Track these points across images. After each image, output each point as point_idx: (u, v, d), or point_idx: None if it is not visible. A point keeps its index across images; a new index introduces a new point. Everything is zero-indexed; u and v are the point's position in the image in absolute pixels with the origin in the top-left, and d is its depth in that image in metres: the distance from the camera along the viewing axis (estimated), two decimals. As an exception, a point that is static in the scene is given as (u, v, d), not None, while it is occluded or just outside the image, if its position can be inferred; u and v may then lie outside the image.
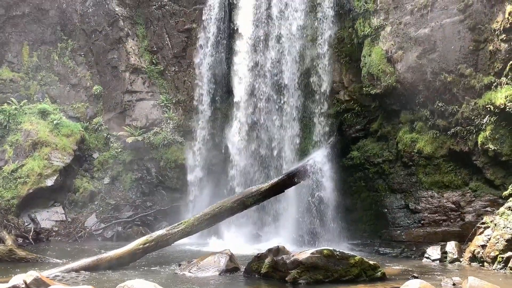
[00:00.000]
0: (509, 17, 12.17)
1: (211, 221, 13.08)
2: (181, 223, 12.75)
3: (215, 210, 12.97)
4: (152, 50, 21.25)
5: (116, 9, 21.18)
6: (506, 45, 12.38)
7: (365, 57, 15.65)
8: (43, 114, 20.36)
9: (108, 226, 18.88)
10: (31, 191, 18.42)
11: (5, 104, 20.15)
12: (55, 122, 20.15)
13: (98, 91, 21.68)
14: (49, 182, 18.82)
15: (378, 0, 15.24)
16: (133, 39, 21.29)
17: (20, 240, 16.52)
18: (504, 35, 12.40)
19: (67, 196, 19.76)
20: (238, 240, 16.51)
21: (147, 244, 12.05)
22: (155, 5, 21.13)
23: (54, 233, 18.38)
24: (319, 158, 15.46)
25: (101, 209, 19.68)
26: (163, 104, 20.82)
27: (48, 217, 18.81)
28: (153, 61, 21.18)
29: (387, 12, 15.11)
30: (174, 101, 20.80)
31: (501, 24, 12.45)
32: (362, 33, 15.79)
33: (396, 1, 14.91)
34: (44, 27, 22.15)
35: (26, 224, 18.08)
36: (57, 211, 19.18)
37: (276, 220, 17.19)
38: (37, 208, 18.82)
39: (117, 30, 21.23)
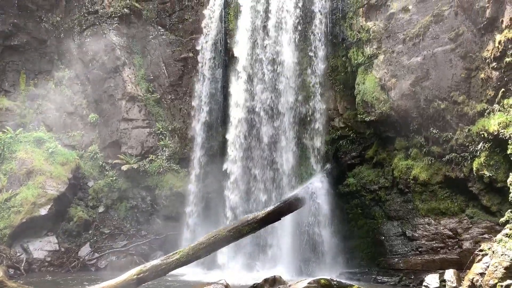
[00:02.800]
0: (499, 46, 12.42)
1: (206, 250, 12.87)
2: (176, 252, 12.53)
3: (211, 239, 12.79)
4: (148, 79, 21.45)
5: (114, 39, 21.47)
6: (497, 73, 12.59)
7: (359, 85, 15.85)
8: (39, 142, 20.29)
9: (102, 255, 18.56)
10: (24, 220, 18.14)
11: (0, 132, 20.11)
12: (50, 150, 20.07)
13: (94, 119, 21.72)
14: (43, 211, 18.56)
15: (370, 30, 15.55)
16: (129, 68, 21.50)
17: (11, 271, 16.19)
18: (495, 63, 12.62)
19: (60, 225, 19.47)
20: (234, 269, 16.26)
21: (141, 275, 11.79)
22: (152, 35, 21.48)
23: (46, 264, 18.01)
24: (315, 185, 15.42)
25: (95, 238, 19.39)
26: (159, 131, 20.86)
27: (41, 247, 18.47)
28: (150, 89, 21.34)
29: (379, 41, 15.40)
30: (170, 129, 20.86)
31: (491, 52, 12.70)
32: (356, 61, 16.04)
33: (388, 31, 15.22)
34: (41, 56, 22.35)
35: (18, 254, 17.74)
36: (50, 241, 18.85)
37: (272, 249, 16.96)
38: (30, 238, 18.49)
39: (114, 59, 21.45)
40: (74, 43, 22.15)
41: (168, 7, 21.43)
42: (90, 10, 21.94)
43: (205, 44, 19.83)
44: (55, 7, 22.03)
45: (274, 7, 17.60)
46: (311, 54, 17.25)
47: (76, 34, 22.08)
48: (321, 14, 16.98)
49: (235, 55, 18.48)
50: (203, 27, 19.98)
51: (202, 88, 19.76)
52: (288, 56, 17.32)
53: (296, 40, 17.24)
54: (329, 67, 17.24)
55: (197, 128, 19.71)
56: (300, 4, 17.22)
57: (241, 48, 18.30)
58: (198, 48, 20.02)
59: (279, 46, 17.46)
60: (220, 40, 19.48)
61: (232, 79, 18.58)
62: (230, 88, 18.62)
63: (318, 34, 17.09)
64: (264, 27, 17.83)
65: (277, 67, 17.53)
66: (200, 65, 19.94)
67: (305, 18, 17.23)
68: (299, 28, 17.23)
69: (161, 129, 20.85)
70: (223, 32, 19.43)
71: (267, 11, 17.82)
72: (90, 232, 19.70)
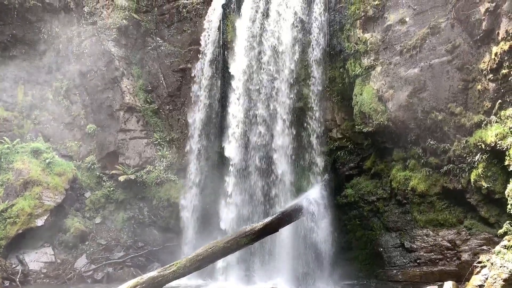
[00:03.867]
0: (496, 58, 12.50)
1: (204, 262, 12.80)
2: (173, 264, 12.47)
3: (208, 251, 12.73)
4: (147, 89, 21.50)
5: (112, 50, 21.55)
6: (494, 85, 12.65)
7: (356, 96, 15.90)
8: (36, 153, 20.25)
9: (98, 267, 18.41)
10: (20, 231, 18.03)
11: (-2, 143, 20.09)
12: (47, 161, 20.02)
13: (92, 129, 21.70)
14: (39, 222, 18.47)
15: (368, 41, 15.64)
16: (128, 79, 21.56)
17: (7, 283, 16.05)
18: (491, 75, 12.69)
19: (57, 237, 19.34)
20: (231, 281, 16.13)
21: (138, 287, 11.73)
22: (150, 45, 21.59)
23: (42, 275, 17.85)
24: (313, 196, 15.37)
25: (92, 249, 19.26)
26: (156, 142, 20.85)
27: (36, 258, 18.33)
28: (148, 99, 21.38)
29: (377, 53, 15.48)
30: (168, 139, 20.85)
31: (488, 64, 12.78)
32: (353, 72, 16.11)
33: (385, 42, 15.31)
34: (40, 67, 22.39)
35: (14, 266, 17.59)
36: (47, 252, 18.72)
37: (270, 260, 16.85)
38: (26, 249, 18.36)
39: (112, 70, 21.51)
40: (72, 54, 22.20)
41: (167, 18, 21.56)
42: (89, 21, 22.05)
43: (204, 55, 19.91)
44: (54, 18, 22.14)
45: (273, 17, 17.70)
46: (309, 65, 17.31)
47: (74, 45, 22.15)
48: (318, 26, 17.08)
49: (232, 66, 18.53)
50: (202, 38, 20.09)
51: (199, 99, 19.79)
52: (286, 67, 17.37)
53: (294, 51, 17.31)
54: (326, 78, 17.30)
55: (195, 139, 19.71)
56: (298, 16, 17.32)
57: (239, 59, 18.36)
58: (197, 59, 20.11)
59: (277, 57, 17.52)
60: (218, 51, 19.57)
61: (229, 91, 18.60)
62: (228, 99, 18.63)
63: (315, 45, 17.18)
64: (262, 37, 17.91)
65: (275, 78, 17.55)
66: (197, 76, 20.00)
67: (303, 29, 17.33)
68: (297, 39, 17.31)
69: (159, 140, 20.84)
70: (221, 43, 19.53)
71: (265, 22, 17.91)
72: (86, 243, 19.57)
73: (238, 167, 17.67)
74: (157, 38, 21.58)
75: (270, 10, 17.87)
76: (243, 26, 18.43)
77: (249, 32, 18.19)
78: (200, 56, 20.05)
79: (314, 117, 17.14)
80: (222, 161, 18.55)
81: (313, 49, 17.14)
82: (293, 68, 17.30)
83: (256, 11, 18.23)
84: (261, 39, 17.90)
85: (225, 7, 19.54)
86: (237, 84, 18.17)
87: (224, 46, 19.44)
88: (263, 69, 17.72)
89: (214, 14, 19.94)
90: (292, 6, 17.42)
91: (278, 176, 17.08)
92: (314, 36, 17.13)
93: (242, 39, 18.38)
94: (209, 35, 19.90)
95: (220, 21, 19.53)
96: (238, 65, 18.30)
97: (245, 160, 17.77)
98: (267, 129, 17.62)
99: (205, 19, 20.23)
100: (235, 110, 18.09)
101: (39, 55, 22.34)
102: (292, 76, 17.31)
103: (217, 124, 19.40)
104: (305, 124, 17.30)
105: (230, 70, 18.73)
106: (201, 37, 20.12)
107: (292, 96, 17.43)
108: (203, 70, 19.87)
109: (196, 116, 19.85)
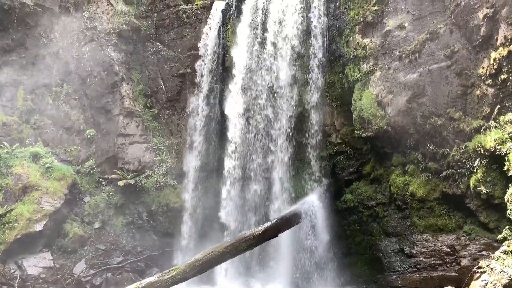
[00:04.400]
0: (494, 63, 12.54)
1: (203, 267, 12.76)
2: (172, 269, 12.44)
3: (207, 256, 12.70)
4: (146, 94, 21.52)
5: (112, 55, 21.58)
6: (493, 90, 12.68)
7: (355, 101, 15.92)
8: (35, 157, 20.22)
9: (97, 272, 18.33)
10: (19, 236, 17.95)
11: (-3, 147, 20.07)
12: (46, 165, 19.98)
13: (91, 134, 21.69)
14: (38, 227, 18.38)
15: (367, 47, 15.69)
16: (127, 83, 21.58)
17: (5, 288, 15.98)
18: (490, 80, 12.73)
19: (56, 242, 19.27)
20: (231, 286, 16.07)
21: (137, 292, 11.68)
22: (150, 50, 21.62)
23: (41, 281, 17.76)
24: (313, 201, 15.36)
25: (91, 254, 19.18)
26: (156, 147, 20.84)
27: (35, 264, 18.24)
28: (147, 104, 21.39)
29: (376, 58, 15.53)
30: (167, 144, 20.85)
31: (486, 69, 12.82)
32: (352, 78, 16.15)
33: (384, 48, 15.36)
34: (39, 72, 22.40)
35: (12, 271, 17.51)
36: (45, 257, 18.63)
37: (270, 265, 16.83)
38: (25, 254, 18.27)
39: (112, 75, 21.54)
40: (72, 59, 22.22)
41: (166, 23, 21.62)
42: (88, 26, 22.09)
43: (203, 61, 19.94)
44: (54, 23, 22.17)
45: (272, 23, 17.74)
46: (308, 70, 17.33)
47: (74, 50, 22.18)
48: (318, 31, 17.12)
49: (232, 72, 18.56)
50: (201, 43, 20.14)
51: (199, 104, 19.82)
52: (285, 73, 17.39)
53: (294, 57, 17.34)
54: (326, 84, 17.33)
55: (194, 143, 19.71)
56: (298, 22, 17.37)
57: (238, 65, 18.39)
58: (196, 64, 20.14)
59: (276, 63, 17.55)
60: (217, 56, 19.61)
61: (229, 96, 18.61)
62: (226, 104, 18.63)
63: (315, 51, 17.22)
64: (262, 43, 17.95)
65: (274, 84, 17.57)
66: (197, 81, 20.03)
67: (303, 35, 17.37)
68: (297, 44, 17.35)
69: (158, 145, 20.83)
70: (220, 48, 19.57)
71: (265, 26, 17.96)
72: (85, 248, 19.50)
73: (237, 172, 17.66)
74: (157, 43, 21.62)
75: (269, 16, 17.91)
76: (243, 30, 18.48)
77: (248, 36, 18.23)
78: (199, 61, 20.10)
79: (313, 123, 17.16)
80: (221, 166, 18.54)
81: (312, 54, 17.18)
82: (293, 73, 17.35)
83: (256, 14, 18.26)
84: (261, 44, 17.95)
85: (224, 12, 19.62)
86: (237, 87, 18.21)
87: (224, 51, 19.48)
88: (263, 73, 17.74)
89: (214, 19, 19.98)
90: (291, 13, 17.48)
91: (277, 181, 17.08)
92: (313, 42, 17.15)
93: (241, 45, 18.41)
94: (208, 40, 19.93)
95: (220, 26, 19.58)
96: (237, 69, 18.31)
97: (243, 166, 17.76)
98: (267, 132, 17.64)
99: (205, 25, 20.27)
100: (235, 115, 18.09)
101: (39, 60, 22.35)
102: (291, 82, 17.34)
103: (216, 129, 19.41)
104: (304, 129, 17.33)
105: (230, 73, 18.76)
106: (200, 42, 20.18)
107: (292, 101, 17.45)
108: (202, 76, 19.89)
109: (195, 120, 19.87)
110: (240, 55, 18.37)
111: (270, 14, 17.85)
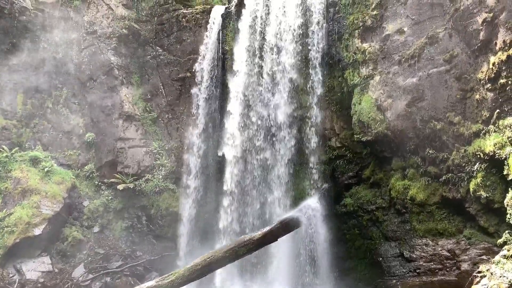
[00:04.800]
0: (493, 68, 12.56)
1: (202, 272, 12.73)
2: (171, 274, 12.41)
3: (206, 261, 12.67)
4: (146, 98, 21.53)
5: (112, 59, 21.62)
6: (492, 94, 12.70)
7: (355, 105, 15.94)
8: (34, 161, 20.20)
9: (96, 276, 18.29)
10: (18, 240, 17.91)
11: (-4, 151, 20.06)
12: (46, 169, 19.96)
13: (90, 138, 21.67)
14: (37, 231, 18.34)
15: (366, 51, 15.72)
16: (127, 87, 21.60)
17: (3, 292, 15.92)
18: (489, 85, 12.74)
19: (55, 246, 19.22)
20: (230, 291, 16.04)
21: (136, 297, 11.64)
22: (150, 55, 21.66)
23: (39, 285, 17.71)
24: (312, 206, 15.34)
25: (90, 259, 19.13)
26: (155, 151, 20.83)
27: (34, 268, 18.20)
28: (147, 108, 21.41)
29: (375, 62, 15.55)
30: (166, 148, 20.84)
31: (486, 74, 12.84)
32: (352, 82, 16.17)
33: (384, 52, 15.39)
34: (39, 76, 22.41)
35: (11, 275, 17.46)
36: (44, 261, 18.59)
37: (269, 270, 16.78)
38: (23, 258, 18.22)
39: (112, 79, 21.56)
40: (72, 63, 22.26)
41: (166, 28, 21.66)
42: (88, 30, 22.13)
43: (203, 65, 19.98)
44: (54, 27, 22.21)
45: (272, 28, 17.77)
46: (308, 75, 17.36)
47: (74, 54, 22.21)
48: (317, 35, 17.16)
49: (232, 76, 18.59)
50: (201, 48, 20.18)
51: (198, 108, 19.83)
52: (285, 76, 17.42)
53: (294, 61, 17.37)
54: (325, 88, 17.35)
55: (194, 147, 19.70)
56: (297, 26, 17.42)
57: (238, 69, 18.41)
58: (196, 68, 20.18)
59: (276, 67, 17.59)
60: (217, 60, 19.64)
61: (229, 100, 18.63)
62: (227, 108, 18.65)
63: (314, 55, 17.25)
64: (262, 48, 17.99)
65: (274, 88, 17.59)
66: (197, 85, 20.06)
67: (302, 39, 17.40)
68: (297, 49, 17.39)
69: (157, 149, 20.82)
70: (220, 53, 19.61)
71: (264, 31, 17.99)
72: (84, 252, 19.45)
73: (237, 178, 17.66)
74: (157, 47, 21.66)
75: (269, 19, 17.94)
76: (243, 36, 18.51)
77: (249, 40, 18.26)
78: (199, 65, 20.14)
79: (312, 126, 17.17)
80: (221, 169, 18.53)
81: (312, 59, 17.20)
82: (293, 77, 17.37)
83: (255, 19, 18.30)
84: (261, 49, 17.98)
85: (224, 16, 19.67)
86: (237, 91, 18.22)
87: (224, 55, 19.52)
88: (263, 78, 17.76)
89: (214, 24, 20.03)
90: (291, 16, 17.51)
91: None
92: (313, 46, 17.18)
93: (241, 49, 18.45)
94: (208, 44, 19.98)
95: (219, 31, 19.63)
96: (237, 73, 18.32)
97: (243, 172, 17.75)
98: (266, 137, 17.65)
99: (204, 29, 20.32)
100: (234, 120, 18.08)
101: (39, 64, 22.37)
102: (291, 86, 17.36)
103: (215, 133, 19.42)
104: (304, 133, 17.34)
105: (230, 77, 18.78)
106: (200, 47, 20.22)
107: (291, 105, 17.47)
108: (202, 79, 19.93)
109: (195, 124, 19.88)
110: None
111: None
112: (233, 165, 17.75)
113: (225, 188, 17.79)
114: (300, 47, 17.26)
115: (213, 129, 19.47)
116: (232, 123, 18.04)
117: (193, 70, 20.35)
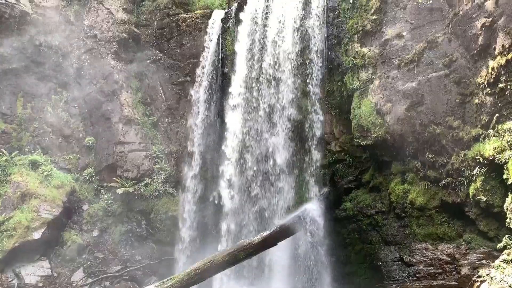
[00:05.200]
0: (493, 72, 12.59)
1: (201, 276, 12.72)
2: (171, 278, 12.39)
3: (206, 265, 12.66)
4: (145, 102, 21.57)
5: (112, 63, 21.66)
6: (491, 99, 12.72)
7: (354, 109, 15.96)
8: (34, 165, 20.20)
9: (95, 281, 18.25)
10: (17, 244, 17.88)
11: (-4, 155, 20.05)
12: (45, 173, 19.96)
13: (90, 142, 21.69)
14: (36, 235, 18.32)
15: (366, 55, 15.76)
16: (127, 91, 21.63)
17: (2, 297, 15.87)
18: (488, 89, 12.77)
19: (54, 250, 19.19)
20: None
21: (135, 301, 11.62)
22: (150, 59, 21.71)
23: (38, 289, 17.70)
24: (312, 210, 15.34)
25: (89, 263, 19.10)
26: (155, 155, 20.83)
27: (33, 272, 18.15)
28: (147, 112, 21.44)
29: (375, 67, 15.59)
30: (166, 152, 20.85)
31: (485, 78, 12.86)
32: (351, 86, 16.20)
33: (383, 56, 15.43)
34: (39, 80, 22.43)
35: (9, 279, 17.42)
36: (43, 266, 18.55)
37: (269, 274, 16.74)
38: (22, 262, 18.19)
39: (111, 83, 21.60)
40: (72, 67, 22.30)
41: (166, 32, 21.73)
42: (88, 34, 22.20)
43: (202, 69, 20.02)
44: (54, 31, 22.27)
45: (272, 32, 17.81)
46: (307, 79, 17.39)
47: (74, 58, 22.26)
48: (317, 40, 17.20)
49: (231, 80, 18.61)
50: (201, 51, 20.22)
51: (198, 112, 19.86)
52: (284, 81, 17.44)
53: (293, 65, 17.40)
54: (325, 92, 17.38)
55: (193, 152, 19.70)
56: (297, 29, 17.46)
57: (237, 73, 18.44)
58: (196, 72, 20.22)
59: (276, 72, 17.61)
60: (217, 65, 19.68)
61: (228, 104, 18.63)
62: (225, 114, 18.63)
63: (314, 59, 17.29)
64: (261, 52, 18.02)
65: (274, 92, 17.61)
66: (196, 88, 20.09)
67: (302, 43, 17.44)
68: (297, 52, 17.43)
69: (157, 153, 20.83)
70: (220, 57, 19.65)
71: (264, 36, 18.03)
72: (83, 256, 19.42)
73: (236, 180, 17.65)
74: (157, 52, 21.72)
75: (269, 19, 17.99)
76: (242, 40, 18.55)
77: (248, 45, 18.30)
78: (198, 69, 20.18)
79: (312, 130, 17.18)
80: (220, 174, 18.52)
81: (311, 63, 17.24)
82: (292, 81, 17.39)
83: (256, 23, 18.34)
84: (261, 52, 18.01)
85: (224, 21, 19.72)
86: (235, 95, 18.23)
87: (223, 59, 19.56)
88: (262, 82, 17.77)
89: (213, 28, 20.09)
90: (291, 18, 17.55)
91: (277, 189, 17.05)
92: (312, 50, 17.23)
93: (240, 53, 18.47)
94: (208, 49, 20.02)
95: (219, 35, 19.68)
96: (236, 77, 18.35)
97: (243, 174, 17.74)
98: (266, 140, 17.65)
99: (204, 33, 20.38)
100: (233, 125, 18.08)
101: (39, 68, 22.40)
102: (291, 90, 17.37)
103: (215, 134, 19.43)
104: (304, 137, 17.34)
105: (229, 81, 18.80)
106: (200, 51, 20.26)
107: (291, 109, 17.49)
108: (202, 82, 19.96)
109: (194, 128, 19.91)
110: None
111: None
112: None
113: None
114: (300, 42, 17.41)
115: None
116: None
117: (194, 74, 20.42)
